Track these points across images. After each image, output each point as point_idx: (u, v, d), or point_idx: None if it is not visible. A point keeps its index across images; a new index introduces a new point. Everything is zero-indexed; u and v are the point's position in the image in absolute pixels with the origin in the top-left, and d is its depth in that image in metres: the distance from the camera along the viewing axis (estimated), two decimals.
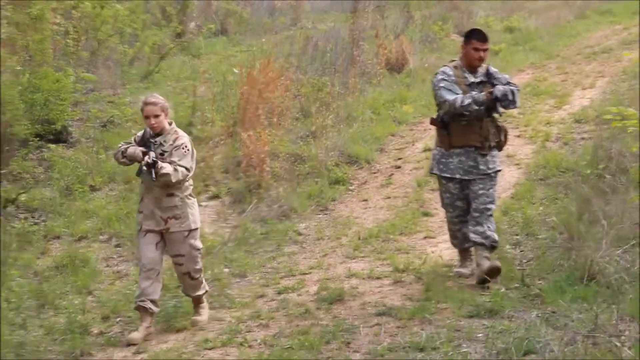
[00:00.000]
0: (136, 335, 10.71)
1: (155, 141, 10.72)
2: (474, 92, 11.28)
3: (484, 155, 11.49)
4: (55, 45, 18.53)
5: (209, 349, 10.99)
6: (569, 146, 16.49)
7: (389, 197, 15.70)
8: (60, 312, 11.99)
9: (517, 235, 13.40)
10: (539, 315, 10.54)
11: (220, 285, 12.67)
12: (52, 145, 16.23)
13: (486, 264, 11.29)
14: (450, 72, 11.48)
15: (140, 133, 10.97)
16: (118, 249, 13.86)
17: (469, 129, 11.42)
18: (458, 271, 11.98)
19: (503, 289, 11.70)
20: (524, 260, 12.56)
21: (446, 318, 10.95)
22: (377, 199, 15.69)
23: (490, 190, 11.54)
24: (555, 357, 8.07)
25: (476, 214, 11.47)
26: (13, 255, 13.24)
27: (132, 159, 10.70)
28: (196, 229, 11.09)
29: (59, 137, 16.53)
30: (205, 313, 11.28)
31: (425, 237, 13.69)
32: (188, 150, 10.78)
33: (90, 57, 19.59)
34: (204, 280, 11.33)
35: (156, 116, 10.68)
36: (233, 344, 11.06)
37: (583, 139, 17.10)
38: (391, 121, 18.78)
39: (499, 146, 11.71)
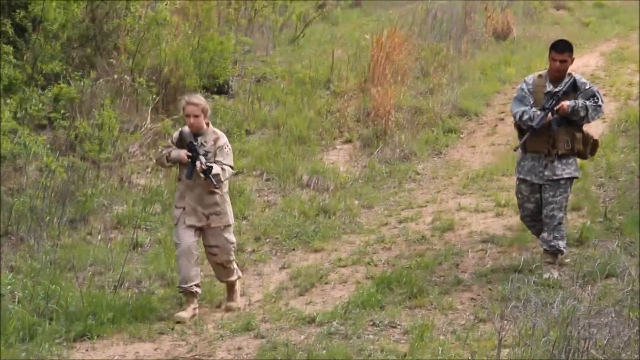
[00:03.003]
0: (184, 315, 9.69)
1: (197, 141, 9.77)
2: (532, 109, 9.99)
3: (552, 162, 10.14)
4: (220, 13, 18.59)
5: (342, 267, 11.05)
6: None
7: (493, 144, 15.54)
8: None
9: (601, 177, 13.27)
10: (619, 245, 10.49)
11: (351, 215, 12.70)
12: (216, 96, 16.33)
13: (546, 274, 9.88)
14: (531, 81, 10.29)
15: (176, 134, 10.02)
16: (268, 182, 13.92)
17: (539, 136, 10.06)
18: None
19: (589, 223, 11.58)
20: (607, 199, 12.45)
21: (540, 246, 10.84)
22: (483, 146, 15.54)
23: (559, 198, 10.15)
24: (633, 279, 7.90)
25: (546, 220, 10.19)
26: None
27: (176, 162, 9.83)
28: (231, 224, 10.13)
29: (221, 90, 16.62)
30: (238, 299, 10.16)
31: None
32: (230, 149, 9.94)
33: (247, 24, 19.63)
34: (236, 267, 10.27)
35: (196, 116, 9.76)
36: (361, 263, 11.09)
37: None
38: (496, 81, 18.55)
39: (580, 154, 10.32)
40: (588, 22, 24.09)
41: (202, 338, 9.34)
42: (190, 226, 9.81)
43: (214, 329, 9.56)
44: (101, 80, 15.20)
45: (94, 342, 9.14)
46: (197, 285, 9.87)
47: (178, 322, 9.56)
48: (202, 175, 9.56)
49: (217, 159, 9.75)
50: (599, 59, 19.33)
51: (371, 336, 9.04)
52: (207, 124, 9.93)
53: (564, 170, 10.17)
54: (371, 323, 9.35)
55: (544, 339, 6.96)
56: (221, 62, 16.44)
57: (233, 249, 10.14)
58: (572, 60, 10.28)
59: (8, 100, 13.48)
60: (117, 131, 13.94)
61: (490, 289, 9.92)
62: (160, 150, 10.35)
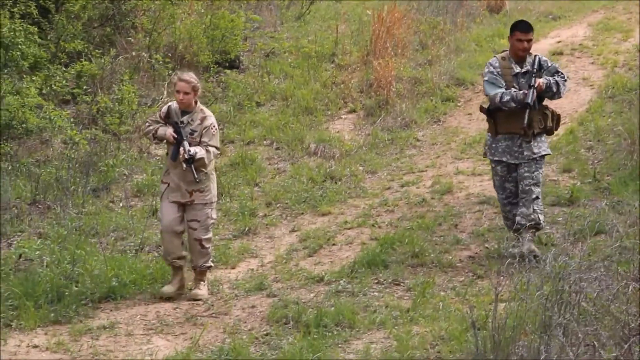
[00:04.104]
0: (168, 289, 9.25)
1: (183, 121, 9.21)
2: (512, 90, 9.51)
3: (528, 142, 9.61)
4: None
5: (348, 229, 11.05)
6: (632, 71, 16.02)
7: None
8: (234, 199, 12.11)
9: (590, 141, 13.22)
10: (607, 203, 10.51)
11: (356, 180, 12.69)
12: (227, 71, 16.27)
13: (525, 247, 9.24)
14: (497, 64, 9.69)
15: (164, 108, 9.44)
16: (277, 151, 13.89)
17: (512, 117, 9.53)
18: (510, 252, 9.31)
19: (579, 183, 11.57)
20: (596, 161, 12.43)
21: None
22: (479, 113, 15.42)
23: (535, 173, 9.62)
24: (620, 236, 7.90)
25: (523, 195, 9.57)
26: None
27: (162, 140, 9.34)
28: (214, 202, 9.49)
29: (233, 64, 16.56)
30: (204, 288, 9.36)
31: None
32: (216, 130, 9.37)
33: (256, 2, 19.50)
34: (211, 254, 9.54)
35: (186, 93, 9.17)
36: (366, 225, 11.10)
37: None
38: (491, 52, 18.35)
39: (548, 131, 9.83)
40: None
41: (218, 297, 9.36)
42: (174, 202, 9.28)
43: (229, 289, 9.58)
44: (120, 57, 15.21)
45: (117, 303, 9.17)
46: (179, 258, 9.30)
47: (162, 294, 9.20)
48: (183, 164, 9.03)
49: (203, 139, 9.19)
50: (587, 30, 19.19)
51: (376, 293, 9.07)
52: (196, 102, 9.38)
53: (540, 148, 9.68)
54: (376, 281, 9.38)
55: (538, 293, 6.95)
56: (232, 38, 16.40)
57: (212, 226, 9.57)
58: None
59: (34, 78, 13.47)
60: (136, 105, 13.99)
61: (487, 247, 9.92)
62: (147, 123, 9.61)
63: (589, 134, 13.46)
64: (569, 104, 14.92)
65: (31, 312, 8.61)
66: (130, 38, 15.71)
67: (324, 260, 10.19)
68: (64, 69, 14.24)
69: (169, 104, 9.51)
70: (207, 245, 9.38)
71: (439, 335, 7.77)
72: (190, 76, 9.37)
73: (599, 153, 12.72)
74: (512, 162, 9.69)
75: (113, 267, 9.60)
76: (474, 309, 8.00)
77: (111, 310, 8.95)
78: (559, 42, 18.31)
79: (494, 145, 9.79)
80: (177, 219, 9.28)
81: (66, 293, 9.05)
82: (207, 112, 9.45)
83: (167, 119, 9.33)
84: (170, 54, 15.47)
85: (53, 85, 13.83)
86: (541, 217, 9.61)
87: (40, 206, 11.51)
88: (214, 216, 9.53)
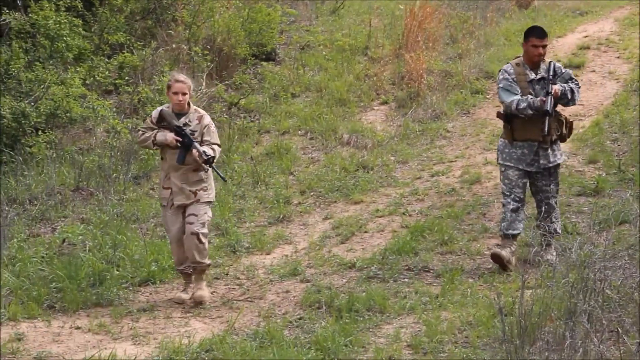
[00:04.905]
0: (184, 296, 8.85)
1: (182, 123, 8.75)
2: (529, 97, 9.06)
3: (545, 149, 9.20)
4: None
5: (379, 217, 11.04)
6: None
7: None
8: (269, 187, 12.12)
9: (615, 133, 13.11)
10: (632, 194, 10.42)
11: (388, 169, 12.65)
12: (264, 63, 16.29)
13: (547, 255, 8.97)
14: (511, 70, 9.28)
15: (155, 114, 8.89)
16: (312, 141, 13.88)
17: (530, 124, 9.11)
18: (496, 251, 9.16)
19: (604, 174, 11.50)
20: (621, 152, 12.33)
21: (560, 196, 10.78)
22: None
23: (552, 185, 9.31)
24: None
25: (542, 206, 9.19)
26: (235, 145, 13.38)
27: (162, 145, 8.79)
28: (213, 201, 9.13)
29: (269, 57, 16.57)
30: (206, 289, 8.95)
31: None
32: (214, 127, 8.97)
33: None
34: (207, 252, 9.04)
35: (184, 94, 8.72)
36: (397, 213, 11.08)
37: None
38: (519, 46, 18.23)
39: (562, 138, 9.40)
40: None
41: (253, 282, 9.38)
42: (179, 206, 8.81)
43: (264, 274, 9.60)
44: (161, 49, 15.27)
45: (156, 287, 9.22)
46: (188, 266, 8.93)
47: (177, 303, 8.80)
48: (205, 166, 8.71)
49: (205, 138, 8.78)
50: (613, 25, 19.02)
51: (406, 280, 9.06)
52: (189, 104, 8.90)
53: (555, 156, 9.33)
54: (406, 268, 9.36)
55: (563, 281, 6.93)
56: (269, 31, 16.41)
57: (208, 223, 9.03)
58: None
59: (78, 69, 13.55)
60: None
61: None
62: (141, 132, 9.04)
63: (615, 126, 13.35)
64: (595, 97, 14.82)
65: (74, 294, 8.67)
66: (170, 31, 15.76)
67: (355, 247, 10.18)
68: (107, 60, 14.33)
69: (159, 108, 8.97)
70: (203, 241, 8.86)
71: (467, 321, 7.75)
72: (184, 76, 8.99)
73: (623, 145, 12.62)
74: (528, 169, 9.27)
75: (153, 252, 9.65)
76: (501, 295, 7.98)
77: (150, 294, 9.00)
78: (586, 36, 18.15)
79: (507, 150, 9.34)
80: (183, 227, 8.85)
81: (107, 277, 9.10)
82: (202, 111, 9.04)
83: (159, 124, 8.82)
84: (208, 47, 15.49)
85: (96, 76, 13.91)
86: (558, 226, 9.35)
87: (83, 193, 11.58)
88: (210, 214, 9.01)
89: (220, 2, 16.37)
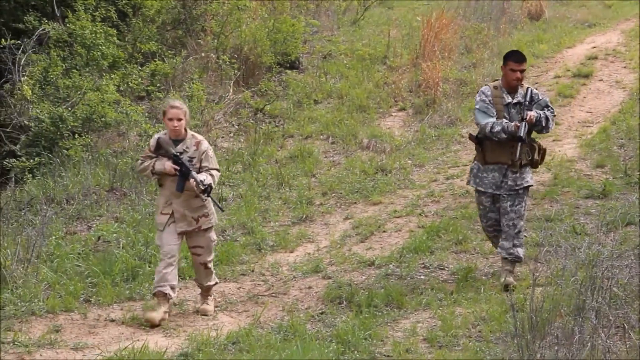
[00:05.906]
0: (155, 315, 8.13)
1: (180, 151, 8.28)
2: (504, 121, 8.65)
3: (514, 172, 8.76)
4: None
5: (397, 217, 11.06)
6: None
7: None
8: (293, 189, 12.15)
9: (621, 139, 13.12)
10: (638, 197, 10.36)
11: (405, 172, 12.67)
12: (288, 71, 16.34)
13: (502, 279, 8.60)
14: (489, 92, 8.86)
15: (153, 141, 8.39)
16: (333, 145, 13.90)
17: (500, 148, 8.74)
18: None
19: (611, 178, 11.49)
20: (627, 157, 12.32)
21: (569, 198, 10.83)
22: None
23: (518, 207, 8.78)
24: None
25: (505, 229, 8.76)
26: (261, 148, 13.42)
27: (161, 174, 8.29)
28: (214, 224, 8.64)
29: (293, 65, 16.61)
30: (211, 304, 8.64)
31: (553, 140, 13.36)
32: (212, 152, 8.49)
33: (315, 8, 19.56)
34: (214, 272, 8.75)
35: (179, 120, 8.20)
36: (414, 214, 11.10)
37: None
38: (531, 56, 18.27)
39: (533, 164, 8.95)
40: (610, 4, 23.52)
41: (277, 279, 9.42)
42: (181, 233, 8.35)
43: (288, 271, 9.64)
44: (191, 57, 15.35)
45: (186, 282, 9.26)
46: (172, 288, 8.25)
47: (147, 320, 8.14)
48: (203, 195, 8.26)
49: (204, 164, 8.32)
50: (620, 36, 18.98)
51: (422, 277, 9.07)
52: (185, 130, 8.40)
53: (524, 179, 8.83)
54: (422, 266, 9.38)
55: (572, 279, 6.95)
56: (293, 41, 16.45)
57: (214, 246, 8.73)
58: None
59: (112, 76, 13.63)
60: (204, 101, 14.11)
61: (525, 236, 9.85)
62: (140, 161, 8.52)
63: (621, 132, 13.34)
64: (603, 105, 14.82)
65: (108, 289, 8.73)
66: (200, 40, 15.84)
67: (374, 246, 10.21)
68: (140, 68, 14.39)
69: (156, 136, 8.47)
70: (210, 266, 8.60)
71: (480, 316, 7.76)
72: (180, 102, 8.61)
73: (629, 150, 12.60)
74: (497, 192, 8.86)
75: (183, 249, 9.69)
76: (513, 292, 7.99)
77: (180, 289, 9.03)
78: (594, 47, 18.14)
79: (479, 174, 8.97)
80: (178, 247, 8.40)
81: (140, 272, 9.17)
82: (199, 136, 8.55)
83: (157, 152, 8.36)
84: (236, 55, 15.56)
85: (129, 83, 13.98)
86: (521, 252, 8.80)
87: (117, 193, 11.63)
88: (214, 237, 8.65)
89: (247, 13, 16.43)
